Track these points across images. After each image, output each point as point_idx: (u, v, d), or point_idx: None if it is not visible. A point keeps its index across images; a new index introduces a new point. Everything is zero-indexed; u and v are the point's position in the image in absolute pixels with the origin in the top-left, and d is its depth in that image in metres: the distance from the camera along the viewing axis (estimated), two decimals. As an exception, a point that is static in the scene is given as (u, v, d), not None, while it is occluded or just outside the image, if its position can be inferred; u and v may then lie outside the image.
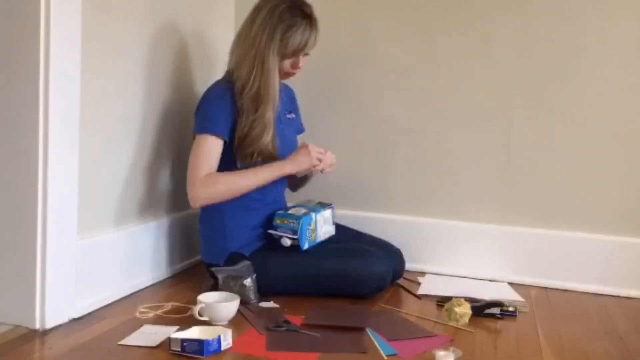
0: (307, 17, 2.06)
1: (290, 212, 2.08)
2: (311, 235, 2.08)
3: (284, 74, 2.12)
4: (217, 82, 2.12)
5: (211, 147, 2.01)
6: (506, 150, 2.41)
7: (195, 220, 2.22)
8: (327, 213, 2.17)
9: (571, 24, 2.32)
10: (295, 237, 2.03)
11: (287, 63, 2.08)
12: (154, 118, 2.14)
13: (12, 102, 1.67)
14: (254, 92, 2.02)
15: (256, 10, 2.07)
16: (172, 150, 2.25)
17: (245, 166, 2.04)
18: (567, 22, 2.32)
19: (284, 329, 1.77)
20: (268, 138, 2.03)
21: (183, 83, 2.30)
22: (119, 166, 2.00)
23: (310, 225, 2.07)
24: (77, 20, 1.72)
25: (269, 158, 2.06)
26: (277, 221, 2.07)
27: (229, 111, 2.03)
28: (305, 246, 2.05)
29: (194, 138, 2.06)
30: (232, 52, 2.12)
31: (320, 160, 2.10)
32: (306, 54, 2.12)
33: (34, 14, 1.63)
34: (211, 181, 2.00)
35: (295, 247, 2.04)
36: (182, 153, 2.30)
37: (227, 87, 2.06)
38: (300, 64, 2.11)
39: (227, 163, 2.04)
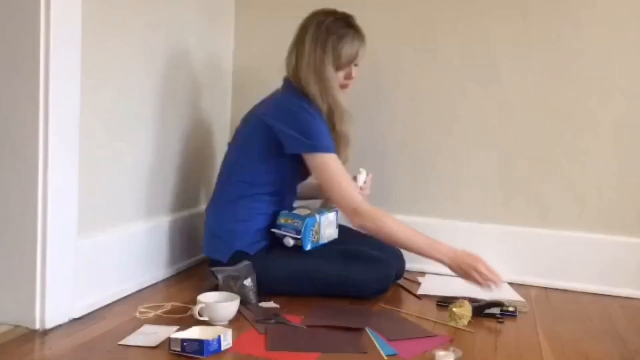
0: (353, 27, 2.09)
1: (295, 212, 2.09)
2: (314, 237, 2.08)
3: (340, 87, 2.12)
4: (297, 98, 2.07)
5: (340, 166, 2.04)
6: (506, 150, 2.41)
7: (196, 220, 2.22)
8: (331, 216, 2.17)
9: (571, 24, 2.32)
10: (299, 237, 2.03)
11: (341, 75, 2.10)
12: (154, 118, 2.14)
13: (12, 102, 1.67)
14: (326, 110, 2.06)
15: (303, 29, 2.09)
16: (172, 149, 2.25)
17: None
18: (567, 23, 2.32)
19: (272, 321, 1.79)
20: (348, 152, 2.09)
21: (184, 83, 2.30)
22: (119, 166, 1.99)
23: (314, 226, 2.07)
24: (77, 20, 1.72)
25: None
26: (281, 220, 2.07)
27: (325, 126, 2.06)
28: (308, 247, 2.05)
29: (254, 142, 2.07)
30: (291, 61, 2.10)
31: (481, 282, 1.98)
32: (356, 64, 2.13)
33: (34, 14, 1.62)
34: (379, 218, 2.02)
35: (298, 248, 2.04)
36: (183, 152, 2.31)
37: (308, 103, 2.05)
38: (354, 74, 2.13)
39: (288, 171, 2.09)
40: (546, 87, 2.35)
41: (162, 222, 2.21)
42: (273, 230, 2.07)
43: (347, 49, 2.06)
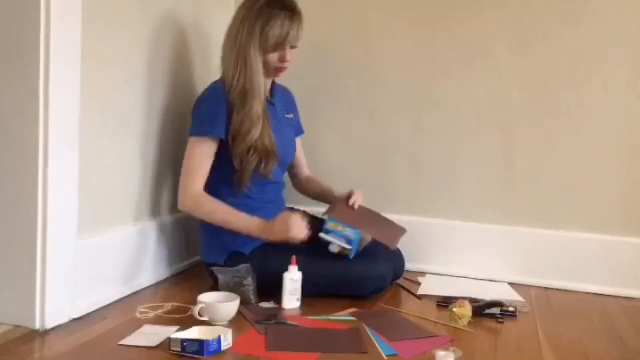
0: (287, 9, 2.06)
1: (340, 219, 2.08)
2: (359, 248, 2.09)
3: (275, 69, 2.11)
4: (213, 83, 2.14)
5: (204, 150, 2.03)
6: (506, 151, 2.41)
7: (196, 220, 2.21)
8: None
9: (571, 24, 2.32)
10: (349, 247, 2.04)
11: (274, 57, 2.08)
12: (155, 118, 2.14)
13: (12, 102, 1.67)
14: (240, 89, 2.04)
15: (240, 8, 2.10)
16: (172, 150, 2.24)
17: (242, 165, 2.05)
18: (567, 23, 2.32)
19: (272, 321, 1.79)
20: (257, 133, 2.03)
21: (184, 83, 2.30)
22: (119, 166, 2.00)
23: (360, 237, 2.08)
24: (78, 20, 1.72)
25: (266, 155, 2.06)
26: (330, 225, 2.07)
27: (224, 110, 2.04)
28: (352, 256, 2.06)
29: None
30: (222, 50, 2.13)
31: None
32: (293, 47, 2.11)
33: (34, 13, 1.62)
34: (201, 201, 2.04)
35: (297, 247, 2.05)
36: (183, 153, 2.30)
37: (220, 87, 2.08)
38: (288, 57, 2.10)
39: (224, 162, 2.05)
40: (547, 87, 2.35)
41: (162, 222, 2.21)
42: (321, 235, 2.06)
43: (275, 31, 2.03)
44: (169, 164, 2.24)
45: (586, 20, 2.31)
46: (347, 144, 2.56)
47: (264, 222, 2.03)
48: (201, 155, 2.04)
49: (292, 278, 1.96)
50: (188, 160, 2.05)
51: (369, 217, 2.21)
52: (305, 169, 2.40)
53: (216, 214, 2.04)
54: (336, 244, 2.05)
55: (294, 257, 1.96)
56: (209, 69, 2.39)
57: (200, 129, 2.04)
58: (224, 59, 2.10)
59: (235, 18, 2.10)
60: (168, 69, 2.20)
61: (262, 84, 2.08)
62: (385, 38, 2.51)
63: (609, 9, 2.28)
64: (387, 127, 2.52)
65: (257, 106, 2.04)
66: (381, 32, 2.51)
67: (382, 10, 2.51)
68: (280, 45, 2.06)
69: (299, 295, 1.97)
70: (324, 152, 2.57)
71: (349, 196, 2.20)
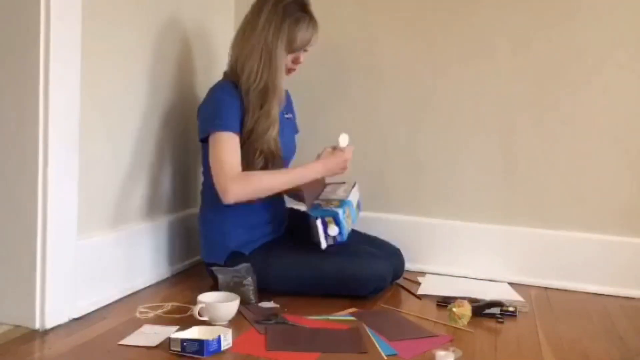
0: (308, 13, 2.08)
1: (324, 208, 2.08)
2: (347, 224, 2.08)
3: (287, 70, 2.12)
4: (220, 82, 2.12)
5: (232, 143, 2.00)
6: (506, 150, 2.41)
7: (195, 220, 2.22)
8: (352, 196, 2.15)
9: (571, 24, 2.32)
10: (336, 233, 2.04)
11: (290, 59, 2.09)
12: (155, 118, 2.14)
13: (12, 101, 1.67)
14: (261, 87, 2.02)
15: (259, 5, 2.07)
16: (172, 150, 2.25)
17: (248, 164, 2.03)
18: (567, 23, 2.32)
19: (272, 321, 1.79)
20: (273, 134, 2.03)
21: (184, 83, 2.30)
22: (119, 166, 2.00)
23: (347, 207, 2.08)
24: (78, 20, 1.72)
25: (271, 157, 2.06)
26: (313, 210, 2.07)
27: (238, 108, 2.03)
28: (345, 235, 2.06)
29: (202, 140, 2.06)
30: (234, 49, 2.11)
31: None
32: (305, 50, 2.12)
33: (33, 13, 1.62)
34: (249, 178, 1.99)
35: (296, 247, 2.04)
36: (183, 153, 2.31)
37: (231, 85, 2.06)
38: (302, 60, 2.12)
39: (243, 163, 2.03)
40: (547, 87, 2.35)
41: (162, 222, 2.21)
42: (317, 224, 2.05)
43: (303, 33, 2.05)
44: (169, 164, 2.24)
45: (587, 19, 2.31)
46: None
47: (320, 163, 2.09)
48: (231, 146, 1.99)
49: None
50: (218, 153, 1.98)
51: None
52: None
53: (274, 179, 2.04)
54: (322, 240, 2.04)
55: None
56: (209, 69, 2.40)
57: (219, 125, 1.99)
58: (244, 55, 2.05)
59: (256, 15, 2.05)
60: (168, 69, 2.20)
61: (283, 85, 2.08)
62: (385, 37, 2.50)
63: (609, 7, 2.28)
64: (387, 126, 2.52)
65: (276, 107, 2.05)
66: (381, 31, 2.51)
67: (382, 9, 2.50)
68: (302, 47, 2.08)
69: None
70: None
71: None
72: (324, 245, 2.03)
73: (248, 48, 2.04)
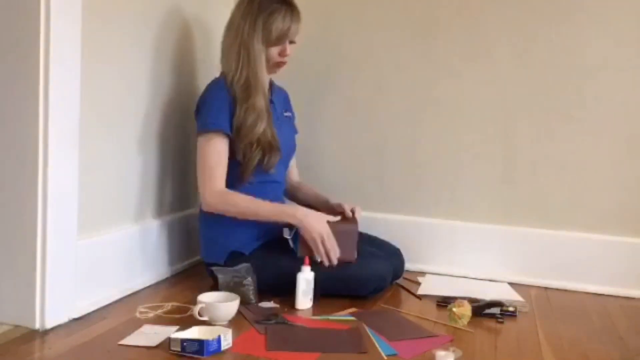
0: (287, 4, 2.09)
1: None
2: None
3: (274, 64, 2.14)
4: (216, 79, 2.15)
5: (218, 146, 2.03)
6: (506, 151, 2.41)
7: (195, 220, 2.22)
8: None
9: (571, 23, 2.32)
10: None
11: (275, 51, 2.10)
12: (155, 118, 2.14)
13: (12, 102, 1.67)
14: (243, 82, 2.06)
15: (238, 3, 2.12)
16: (172, 150, 2.25)
17: (245, 159, 2.05)
18: (567, 22, 2.32)
19: (272, 321, 1.79)
20: (262, 126, 2.05)
21: (184, 82, 2.30)
22: (119, 166, 2.00)
23: None
24: (78, 19, 1.72)
25: (269, 149, 2.06)
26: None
27: (227, 105, 2.05)
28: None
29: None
30: (222, 48, 2.15)
31: (322, 245, 2.01)
32: (292, 42, 2.14)
33: (33, 13, 1.62)
34: (228, 199, 2.03)
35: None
36: (183, 153, 2.31)
37: (222, 82, 2.09)
38: (288, 52, 2.13)
39: (243, 161, 2.05)
40: (547, 88, 2.35)
41: (162, 222, 2.21)
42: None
43: (278, 25, 2.07)
44: (169, 164, 2.24)
45: (587, 21, 2.31)
46: (347, 143, 2.56)
47: (299, 208, 2.07)
48: (216, 152, 2.03)
49: (307, 278, 1.95)
50: (204, 159, 2.04)
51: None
52: (295, 175, 2.39)
53: (245, 207, 2.04)
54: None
55: (307, 257, 1.96)
56: (210, 68, 2.39)
57: (207, 126, 2.04)
58: (225, 53, 2.11)
59: (235, 12, 2.11)
60: (169, 69, 2.20)
61: (266, 78, 2.10)
62: (385, 37, 2.50)
63: (609, 9, 2.28)
64: (387, 126, 2.52)
65: (261, 100, 2.06)
66: (381, 32, 2.51)
67: (382, 10, 2.50)
68: (281, 39, 2.09)
69: (312, 295, 1.96)
70: (323, 151, 2.57)
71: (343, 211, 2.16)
72: (294, 248, 2.04)
73: (228, 45, 2.10)
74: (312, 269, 1.97)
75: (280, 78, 2.27)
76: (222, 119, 2.03)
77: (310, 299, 1.96)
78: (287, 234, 2.05)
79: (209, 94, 2.09)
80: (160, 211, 2.22)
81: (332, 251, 2.01)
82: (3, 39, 1.67)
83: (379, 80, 2.52)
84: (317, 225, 2.01)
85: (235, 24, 2.09)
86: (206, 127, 2.04)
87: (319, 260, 2.01)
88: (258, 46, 2.06)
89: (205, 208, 2.06)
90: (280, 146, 2.10)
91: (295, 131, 2.33)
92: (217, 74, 2.19)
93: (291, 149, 2.26)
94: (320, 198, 2.28)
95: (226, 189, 2.04)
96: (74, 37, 1.72)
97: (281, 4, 2.08)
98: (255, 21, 2.06)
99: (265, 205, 2.05)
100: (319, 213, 2.08)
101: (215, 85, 2.11)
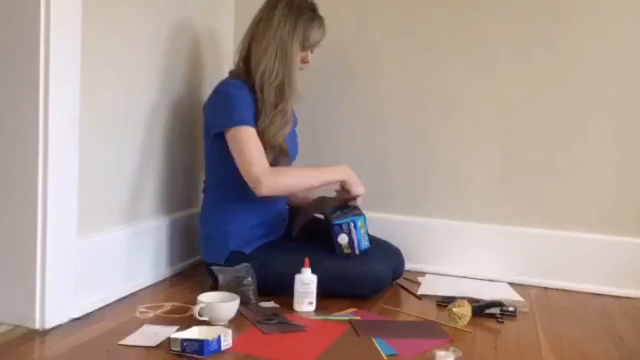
0: (317, 13, 2.11)
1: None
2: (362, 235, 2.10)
3: None
4: (229, 80, 2.11)
5: (253, 136, 2.00)
6: (506, 150, 2.41)
7: (196, 220, 2.22)
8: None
9: (571, 23, 2.32)
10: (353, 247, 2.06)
11: (300, 57, 2.10)
12: (155, 118, 2.14)
13: (11, 101, 1.67)
14: (277, 84, 2.03)
15: (272, 3, 2.08)
16: (172, 149, 2.25)
17: None
18: (567, 22, 2.32)
19: (274, 321, 1.79)
20: (287, 132, 2.06)
21: (185, 83, 2.30)
22: (120, 166, 2.00)
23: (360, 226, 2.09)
24: (78, 18, 1.72)
25: (279, 152, 2.07)
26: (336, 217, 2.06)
27: (252, 104, 2.03)
28: (360, 248, 2.07)
29: (216, 135, 2.04)
30: (246, 44, 2.10)
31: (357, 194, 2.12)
32: (312, 51, 2.15)
33: (34, 13, 1.62)
34: (280, 173, 2.03)
35: (294, 246, 2.05)
36: (184, 153, 2.31)
37: (242, 82, 2.06)
38: (309, 59, 2.14)
39: (229, 155, 2.02)
40: (547, 89, 2.35)
41: (162, 222, 2.21)
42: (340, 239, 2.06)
43: (315, 32, 2.08)
44: (169, 164, 2.24)
45: (585, 26, 2.31)
46: (348, 143, 2.56)
47: (338, 166, 2.10)
48: (254, 140, 1.99)
49: (302, 281, 1.94)
50: (243, 148, 1.97)
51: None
52: None
53: (306, 175, 2.06)
54: (342, 242, 2.05)
55: (307, 259, 1.95)
56: (211, 69, 2.40)
57: (236, 120, 1.98)
58: (258, 50, 2.04)
59: (269, 10, 2.06)
60: (169, 69, 2.20)
61: (300, 82, 2.08)
62: (388, 40, 2.50)
63: (607, 15, 2.28)
64: (388, 127, 2.52)
65: (291, 104, 2.07)
66: (384, 32, 2.51)
67: (383, 11, 2.50)
68: (313, 46, 2.11)
69: (312, 299, 1.94)
70: (324, 151, 2.57)
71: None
72: (338, 251, 2.05)
73: (264, 44, 2.04)
74: (312, 272, 1.95)
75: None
76: (248, 116, 2.00)
77: (310, 303, 1.94)
78: (342, 239, 2.05)
79: (231, 93, 2.03)
80: (160, 211, 2.22)
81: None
82: (3, 40, 1.67)
83: (380, 81, 2.52)
84: (352, 172, 2.12)
85: (272, 23, 2.04)
86: (238, 123, 1.98)
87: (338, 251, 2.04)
88: (296, 50, 2.05)
89: (265, 192, 1.97)
90: (289, 153, 2.11)
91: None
92: (215, 75, 2.19)
93: (297, 151, 2.26)
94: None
95: (272, 167, 2.01)
96: (74, 37, 1.72)
97: (314, 12, 2.10)
98: (296, 24, 2.04)
99: (311, 171, 2.10)
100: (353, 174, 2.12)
101: (233, 86, 2.05)
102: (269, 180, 1.97)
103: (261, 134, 2.02)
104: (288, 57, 2.03)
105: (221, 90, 2.07)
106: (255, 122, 2.02)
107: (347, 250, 2.05)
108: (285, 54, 2.03)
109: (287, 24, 2.04)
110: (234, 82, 2.07)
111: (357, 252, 2.06)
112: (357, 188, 2.12)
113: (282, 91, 2.03)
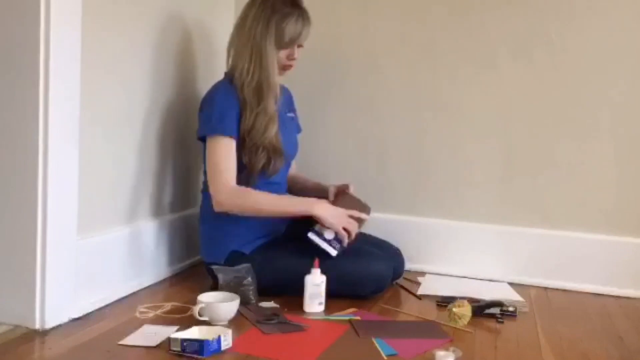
0: (298, 7, 2.09)
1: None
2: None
3: (282, 67, 2.12)
4: (219, 82, 2.13)
5: (228, 148, 2.01)
6: (506, 150, 2.41)
7: (195, 220, 2.22)
8: None
9: (571, 23, 2.32)
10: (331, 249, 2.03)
11: (283, 55, 2.09)
12: (155, 118, 2.14)
13: (11, 101, 1.67)
14: (254, 85, 2.04)
15: (249, 4, 2.10)
16: (172, 149, 2.25)
17: (250, 162, 2.04)
18: (567, 22, 2.32)
19: (274, 321, 1.79)
20: (273, 131, 2.05)
21: (185, 82, 2.30)
22: (119, 166, 2.00)
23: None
24: (78, 18, 1.72)
25: (273, 152, 2.06)
26: (318, 226, 2.04)
27: (235, 108, 2.04)
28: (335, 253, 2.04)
29: (198, 139, 2.08)
30: (230, 48, 2.13)
31: (347, 231, 2.03)
32: (300, 45, 2.13)
33: (34, 13, 1.62)
34: (242, 194, 2.01)
35: (295, 247, 2.05)
36: (184, 153, 2.31)
37: (229, 84, 2.07)
38: (296, 55, 2.12)
39: (244, 162, 2.04)
40: (547, 86, 2.35)
41: (162, 222, 2.21)
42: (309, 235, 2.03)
43: (291, 28, 2.06)
44: (169, 164, 2.24)
45: (586, 25, 2.31)
46: (348, 144, 2.56)
47: (321, 203, 2.04)
48: (226, 152, 2.01)
49: (313, 282, 1.93)
50: (214, 159, 2.01)
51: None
52: (292, 167, 2.37)
53: (265, 204, 2.03)
54: (326, 248, 2.03)
55: (317, 260, 1.94)
56: (211, 69, 2.40)
57: (215, 130, 2.01)
58: (236, 54, 2.09)
59: (246, 12, 2.08)
60: (169, 69, 2.20)
61: (277, 81, 2.08)
62: (387, 39, 2.50)
63: (608, 13, 2.28)
64: (388, 127, 2.52)
65: (272, 104, 2.06)
66: (384, 33, 2.51)
67: (383, 11, 2.50)
68: (292, 42, 2.09)
69: (321, 299, 1.94)
70: (324, 151, 2.57)
71: (340, 190, 2.19)
72: (332, 252, 2.03)
73: (240, 47, 2.07)
74: (322, 272, 1.94)
75: (283, 77, 2.26)
76: (228, 123, 2.02)
77: (320, 303, 1.93)
78: (317, 239, 2.03)
79: (215, 96, 2.07)
80: (160, 211, 2.22)
81: (353, 230, 2.04)
82: (3, 40, 1.67)
83: (381, 81, 2.52)
84: (333, 211, 2.03)
85: (247, 24, 2.06)
86: (213, 131, 2.02)
87: (333, 253, 2.02)
88: (270, 49, 2.05)
89: (217, 208, 2.01)
90: (284, 152, 2.10)
91: (298, 130, 2.33)
92: (216, 76, 2.19)
93: (294, 151, 2.25)
94: (317, 187, 2.29)
95: (238, 186, 2.02)
96: (74, 37, 1.72)
97: (293, 7, 2.08)
98: (268, 23, 2.04)
99: (281, 201, 2.07)
100: (333, 207, 2.06)
101: (222, 86, 2.09)
102: (228, 199, 2.00)
103: (248, 133, 2.03)
104: (263, 57, 2.04)
105: (209, 95, 2.10)
106: (242, 123, 2.03)
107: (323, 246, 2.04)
108: (259, 55, 2.04)
109: (260, 24, 2.04)
110: (223, 86, 2.09)
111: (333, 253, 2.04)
112: (330, 228, 2.02)
113: (260, 91, 2.04)
